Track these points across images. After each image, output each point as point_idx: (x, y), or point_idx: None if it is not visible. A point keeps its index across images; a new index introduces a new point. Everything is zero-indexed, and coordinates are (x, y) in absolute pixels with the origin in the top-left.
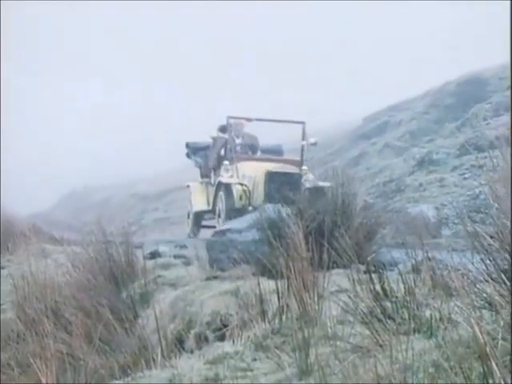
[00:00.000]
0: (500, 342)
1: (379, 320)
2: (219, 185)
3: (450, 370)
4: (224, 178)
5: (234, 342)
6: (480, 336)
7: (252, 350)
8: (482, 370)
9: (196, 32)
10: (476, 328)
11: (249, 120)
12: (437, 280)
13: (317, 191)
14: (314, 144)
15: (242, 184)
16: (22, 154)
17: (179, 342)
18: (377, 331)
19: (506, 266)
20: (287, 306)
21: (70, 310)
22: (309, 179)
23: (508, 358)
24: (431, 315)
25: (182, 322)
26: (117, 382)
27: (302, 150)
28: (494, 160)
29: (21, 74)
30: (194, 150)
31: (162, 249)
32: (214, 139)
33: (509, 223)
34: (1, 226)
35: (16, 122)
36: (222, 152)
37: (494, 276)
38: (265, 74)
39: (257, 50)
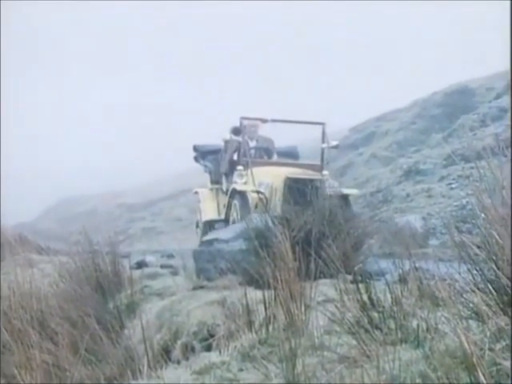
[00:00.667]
0: (487, 352)
1: (366, 330)
2: (233, 192)
3: (437, 380)
4: (238, 184)
5: (220, 352)
6: (467, 346)
7: (239, 361)
8: (468, 380)
9: (199, 32)
10: (463, 338)
11: (264, 121)
12: (424, 290)
13: (341, 199)
14: (336, 147)
15: (258, 192)
16: (8, 162)
17: (166, 353)
18: (364, 341)
19: (493, 276)
20: (274, 316)
21: (56, 320)
22: (331, 186)
23: (494, 368)
24: (418, 325)
25: (169, 332)
26: None
27: (323, 153)
28: (481, 170)
29: (10, 84)
30: (202, 153)
31: (148, 259)
32: (226, 142)
33: (495, 233)
34: None
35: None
36: (235, 156)
37: (480, 286)
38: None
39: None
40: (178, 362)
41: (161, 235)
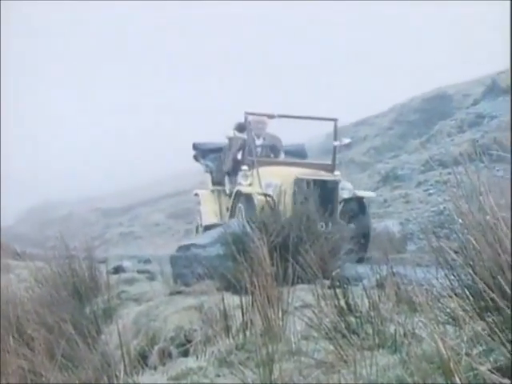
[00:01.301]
0: (464, 357)
1: (343, 335)
2: (238, 195)
3: None
4: (243, 186)
5: (197, 357)
6: (444, 351)
7: (216, 366)
8: None
9: (199, 32)
10: (440, 343)
11: (270, 117)
12: (401, 295)
13: (356, 202)
14: (348, 145)
15: (265, 194)
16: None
17: (142, 358)
18: (341, 346)
19: (470, 282)
20: (251, 321)
21: (33, 325)
22: (346, 188)
23: (471, 373)
24: (395, 330)
25: (146, 337)
26: None
27: (334, 151)
28: (458, 176)
29: None
30: (203, 152)
31: (125, 264)
32: (230, 140)
33: (472, 239)
34: None
35: None
36: (239, 155)
37: (457, 291)
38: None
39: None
40: (155, 368)
41: (138, 240)
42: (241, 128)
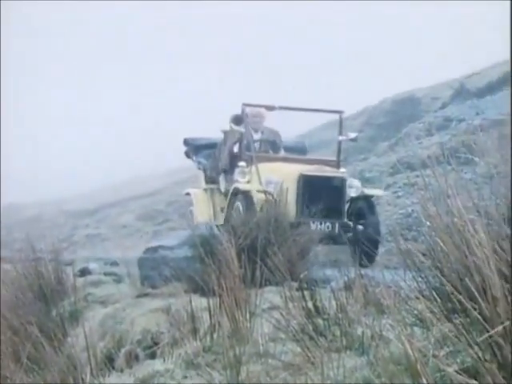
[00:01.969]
0: (431, 358)
1: (311, 337)
2: (235, 193)
3: None
4: (241, 183)
5: (164, 359)
6: (411, 353)
7: (183, 368)
8: None
9: (199, 32)
10: (407, 345)
11: (270, 109)
12: (369, 297)
13: (365, 201)
14: (355, 140)
15: (265, 192)
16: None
17: (109, 361)
18: (308, 348)
19: (437, 284)
20: (219, 323)
21: None
22: (353, 185)
23: (438, 375)
24: (363, 332)
25: (112, 340)
26: None
27: (339, 147)
28: (426, 179)
29: None
30: (195, 148)
31: (92, 266)
32: (226, 133)
33: (440, 241)
34: None
35: None
36: (236, 150)
37: (425, 293)
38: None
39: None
40: (122, 370)
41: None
42: (238, 120)
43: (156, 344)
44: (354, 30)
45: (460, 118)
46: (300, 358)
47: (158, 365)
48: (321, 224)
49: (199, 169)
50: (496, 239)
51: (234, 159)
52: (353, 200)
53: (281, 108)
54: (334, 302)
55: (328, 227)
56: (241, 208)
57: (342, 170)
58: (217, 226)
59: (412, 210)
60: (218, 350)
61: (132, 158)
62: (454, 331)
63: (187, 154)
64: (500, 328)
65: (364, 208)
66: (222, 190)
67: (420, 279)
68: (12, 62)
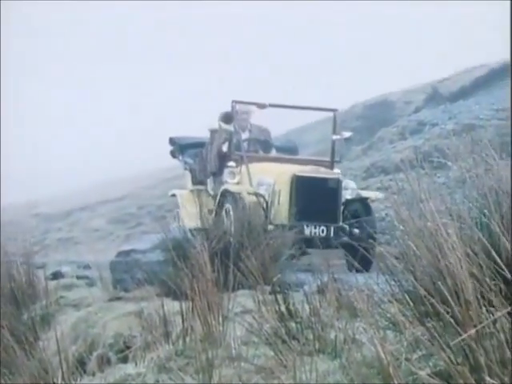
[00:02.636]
0: (403, 362)
1: (283, 341)
2: (224, 194)
3: None
4: (230, 184)
5: (136, 363)
6: (383, 356)
7: (155, 372)
8: None
9: (199, 32)
10: (379, 348)
11: (261, 106)
12: (342, 301)
13: (361, 204)
14: (349, 139)
15: (256, 194)
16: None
17: (81, 365)
18: (281, 352)
19: (410, 287)
20: (191, 327)
21: None
22: (349, 187)
23: (411, 378)
24: (336, 336)
25: (84, 343)
26: None
27: (333, 147)
28: (399, 183)
29: None
30: (181, 147)
31: (64, 269)
32: (213, 132)
33: (413, 245)
34: None
35: None
36: (224, 149)
37: (398, 297)
38: None
39: None
40: (94, 374)
41: (77, 246)
42: (227, 119)
43: (128, 348)
44: (355, 30)
45: (433, 122)
46: (273, 362)
47: (130, 369)
48: (315, 227)
49: (185, 169)
50: (468, 243)
51: (222, 160)
52: (348, 202)
53: (272, 106)
54: (306, 306)
55: (323, 231)
56: (231, 210)
57: (337, 170)
58: (205, 230)
59: (386, 214)
60: (191, 353)
61: (132, 158)
62: (426, 334)
63: (173, 154)
64: (472, 331)
65: (360, 211)
66: (210, 191)
67: (393, 283)
68: (12, 62)
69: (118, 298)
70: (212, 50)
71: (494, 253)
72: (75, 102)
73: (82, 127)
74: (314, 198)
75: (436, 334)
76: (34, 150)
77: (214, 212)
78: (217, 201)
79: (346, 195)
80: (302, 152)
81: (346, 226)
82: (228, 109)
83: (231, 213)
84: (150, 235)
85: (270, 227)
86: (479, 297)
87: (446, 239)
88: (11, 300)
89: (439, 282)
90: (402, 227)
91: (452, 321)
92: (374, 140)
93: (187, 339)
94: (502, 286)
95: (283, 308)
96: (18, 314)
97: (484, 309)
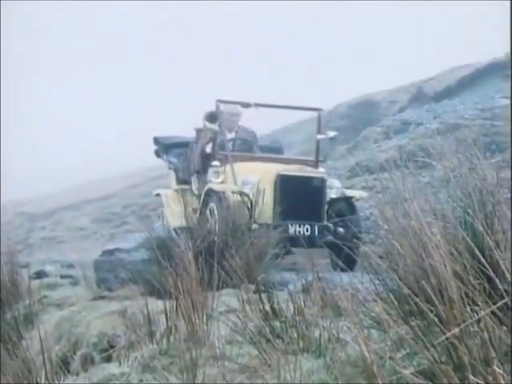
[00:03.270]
0: (387, 361)
1: (268, 340)
2: (209, 194)
3: None
4: (215, 184)
5: (120, 363)
6: (367, 355)
7: (139, 372)
8: None
9: (199, 32)
10: (363, 347)
11: (246, 106)
12: (326, 300)
13: (345, 203)
14: (333, 138)
15: (241, 193)
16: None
17: (64, 364)
18: (265, 351)
19: (395, 286)
20: (175, 326)
21: None
22: (334, 186)
23: (394, 377)
24: (320, 335)
25: (68, 343)
26: None
27: (318, 146)
28: (384, 182)
29: None
30: (166, 147)
31: (48, 268)
32: (199, 131)
33: (397, 244)
34: None
35: None
36: (208, 149)
37: (382, 296)
38: None
39: None
40: (77, 374)
41: (61, 245)
42: (212, 118)
43: (112, 347)
44: (354, 30)
45: (418, 121)
46: (257, 361)
47: (113, 368)
48: (299, 226)
49: (170, 169)
50: (452, 242)
51: (206, 159)
52: (333, 201)
53: (256, 105)
54: (291, 305)
55: (307, 230)
56: (215, 209)
57: (321, 169)
58: (190, 229)
59: (370, 213)
60: (175, 353)
61: (132, 158)
62: (410, 333)
63: (157, 154)
64: (456, 330)
65: (344, 210)
66: (195, 190)
67: (377, 282)
68: (12, 62)
69: (102, 297)
70: (212, 50)
71: (477, 252)
72: (75, 102)
73: (81, 127)
74: (299, 197)
75: (420, 333)
76: (33, 150)
77: (199, 211)
78: (201, 200)
79: (331, 194)
80: (287, 152)
81: (331, 225)
82: (229, 108)
83: (216, 212)
84: (134, 234)
85: (255, 226)
86: (463, 296)
87: (430, 238)
88: None
89: (423, 281)
90: (386, 226)
91: (436, 320)
92: (359, 139)
93: (171, 338)
94: (486, 285)
95: (267, 307)
96: (1, 313)
97: (468, 308)
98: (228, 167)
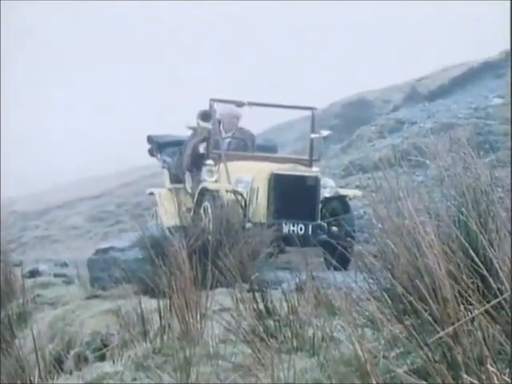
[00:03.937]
0: (381, 359)
1: (261, 339)
2: (203, 192)
3: None
4: (209, 182)
5: (114, 362)
6: (361, 354)
7: (132, 370)
8: None
9: (199, 32)
10: (357, 346)
11: (240, 104)
12: (320, 299)
13: (339, 202)
14: (327, 137)
15: (234, 191)
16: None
17: (58, 363)
18: (259, 350)
19: (388, 285)
20: (169, 325)
21: None
22: (327, 185)
23: (388, 375)
24: (314, 334)
25: (61, 342)
26: None
27: (312, 145)
28: (378, 181)
29: None
30: (159, 145)
31: (41, 267)
32: (195, 130)
33: (391, 243)
34: None
35: None
36: (201, 149)
37: (376, 295)
38: None
39: None
40: (71, 373)
41: (55, 244)
42: (205, 117)
43: (105, 346)
44: (348, 30)
45: (412, 120)
46: (250, 360)
47: (107, 367)
48: (293, 225)
49: (164, 167)
50: (446, 241)
51: (199, 158)
52: (327, 200)
53: (250, 104)
54: (285, 304)
55: (301, 229)
56: (209, 208)
57: (315, 168)
58: (183, 228)
59: (364, 212)
60: (168, 351)
61: (126, 156)
62: (404, 332)
63: (151, 152)
64: (450, 329)
65: (338, 209)
66: (189, 189)
67: (371, 281)
68: (12, 62)
69: (96, 296)
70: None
71: (471, 251)
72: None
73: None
74: (293, 196)
75: (414, 332)
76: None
77: (193, 210)
78: (195, 199)
79: (325, 193)
80: (281, 151)
81: (325, 224)
82: (230, 110)
83: (209, 211)
84: (128, 233)
85: (249, 225)
86: (457, 294)
87: (424, 237)
88: None
89: (417, 280)
90: (380, 225)
91: (430, 318)
92: (353, 138)
93: (165, 337)
94: (480, 283)
95: (261, 306)
96: None
97: (461, 306)
98: (222, 166)
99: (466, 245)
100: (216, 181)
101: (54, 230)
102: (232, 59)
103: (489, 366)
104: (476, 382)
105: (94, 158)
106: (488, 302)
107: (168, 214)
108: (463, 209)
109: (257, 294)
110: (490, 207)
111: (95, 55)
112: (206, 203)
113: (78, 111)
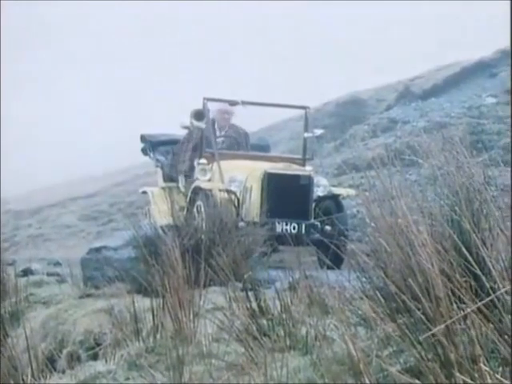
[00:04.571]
0: (374, 358)
1: (254, 338)
2: (196, 191)
3: None
4: (202, 181)
5: (107, 361)
6: (354, 353)
7: (125, 369)
8: None
9: (198, 31)
10: (350, 345)
11: (233, 103)
12: (313, 298)
13: (332, 201)
14: (320, 136)
15: (228, 191)
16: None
17: (50, 362)
18: (252, 349)
19: (381, 284)
20: (162, 324)
21: None
22: (321, 184)
23: (381, 374)
24: (307, 332)
25: (54, 341)
26: None
27: (305, 144)
28: (371, 180)
29: None
30: (153, 144)
31: (34, 266)
32: (191, 131)
33: (384, 242)
34: None
35: None
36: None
37: (369, 293)
38: None
39: None
40: (63, 372)
41: (48, 242)
42: (199, 116)
43: (98, 345)
44: (342, 29)
45: (405, 120)
46: (243, 359)
47: (100, 366)
48: (286, 224)
49: (157, 166)
50: (439, 240)
51: (193, 156)
52: (320, 199)
53: (244, 103)
54: (278, 303)
55: (294, 228)
56: (202, 207)
57: (309, 167)
58: (177, 227)
59: (357, 211)
60: (161, 350)
61: (119, 156)
62: (397, 331)
63: (144, 151)
64: (442, 327)
65: (332, 208)
66: (182, 188)
67: (364, 279)
68: (12, 62)
69: (89, 295)
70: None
71: (464, 250)
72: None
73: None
74: (286, 195)
75: (407, 331)
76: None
77: (186, 209)
78: (188, 198)
79: (318, 192)
80: (274, 150)
81: (318, 223)
82: (221, 106)
83: (202, 210)
84: (121, 232)
85: (242, 224)
86: (450, 293)
87: (417, 236)
88: None
89: (410, 279)
90: (373, 224)
91: (423, 317)
92: (346, 137)
93: (158, 336)
94: (472, 282)
95: (254, 305)
96: None
97: (454, 305)
98: (215, 165)
99: (459, 243)
100: (209, 180)
101: (47, 228)
102: (222, 59)
103: (482, 365)
104: (469, 380)
105: (85, 157)
106: (481, 301)
107: (161, 213)
108: (456, 208)
109: (250, 293)
110: (483, 206)
111: (93, 54)
112: (199, 202)
113: (71, 110)
